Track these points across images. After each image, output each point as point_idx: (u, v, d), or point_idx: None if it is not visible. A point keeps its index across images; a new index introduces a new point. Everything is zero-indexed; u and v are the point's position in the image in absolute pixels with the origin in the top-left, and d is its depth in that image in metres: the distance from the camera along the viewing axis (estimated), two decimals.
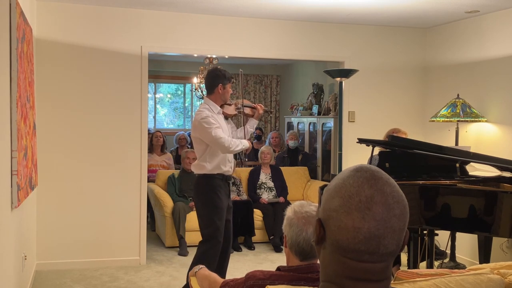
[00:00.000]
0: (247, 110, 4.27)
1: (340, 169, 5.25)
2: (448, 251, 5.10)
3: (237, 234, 5.86)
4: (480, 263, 4.14)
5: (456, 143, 5.14)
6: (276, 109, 10.59)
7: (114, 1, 4.96)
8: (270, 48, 5.67)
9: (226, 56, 6.02)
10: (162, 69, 9.79)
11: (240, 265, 5.28)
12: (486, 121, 5.08)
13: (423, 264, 4.23)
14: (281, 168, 6.79)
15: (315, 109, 7.93)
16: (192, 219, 5.58)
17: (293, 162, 7.46)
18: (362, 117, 5.94)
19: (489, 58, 5.15)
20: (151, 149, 7.07)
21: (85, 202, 5.15)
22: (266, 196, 6.40)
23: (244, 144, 4.06)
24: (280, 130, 9.95)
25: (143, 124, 5.30)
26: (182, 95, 10.84)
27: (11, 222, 3.32)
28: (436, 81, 5.94)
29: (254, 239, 6.08)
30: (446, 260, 5.08)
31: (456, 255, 5.16)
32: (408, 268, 4.17)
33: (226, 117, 4.20)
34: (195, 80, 8.26)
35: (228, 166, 4.09)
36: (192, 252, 4.20)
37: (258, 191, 6.46)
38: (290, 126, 8.91)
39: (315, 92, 8.14)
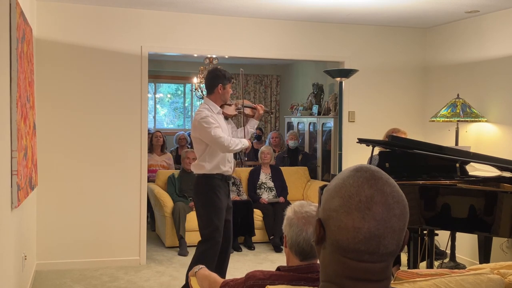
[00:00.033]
0: (247, 111, 4.26)
1: (340, 169, 5.25)
2: (448, 251, 5.10)
3: (237, 234, 5.86)
4: (480, 263, 4.14)
5: (456, 143, 5.14)
6: (276, 109, 10.59)
7: (114, 1, 4.96)
8: (270, 48, 5.67)
9: (226, 56, 6.02)
10: (162, 69, 9.79)
11: (240, 265, 5.28)
12: (486, 121, 5.08)
13: (423, 264, 4.23)
14: (281, 168, 6.79)
15: (315, 109, 7.93)
16: (192, 219, 5.57)
17: (293, 162, 7.46)
18: (362, 117, 5.94)
19: (489, 58, 5.15)
20: (151, 149, 7.07)
21: (85, 202, 5.15)
22: (266, 196, 6.40)
23: (244, 143, 4.06)
24: (280, 130, 9.96)
25: (143, 124, 5.30)
26: (182, 95, 10.84)
27: (11, 222, 3.32)
28: (436, 81, 5.94)
29: (254, 239, 6.08)
30: (446, 260, 5.08)
31: (456, 255, 5.16)
32: (408, 268, 4.17)
33: (226, 117, 4.20)
34: (195, 80, 8.26)
35: (227, 166, 4.09)
36: (192, 252, 4.20)
37: (258, 191, 6.46)
38: (290, 126, 8.91)
39: (315, 92, 8.14)
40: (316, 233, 1.09)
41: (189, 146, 7.73)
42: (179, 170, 6.47)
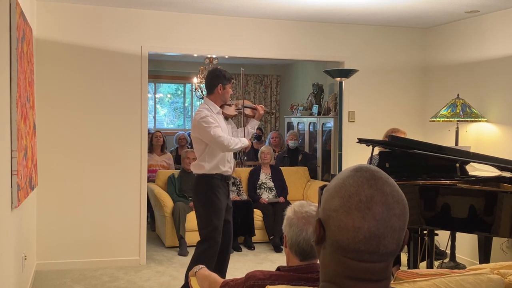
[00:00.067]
0: (248, 111, 4.26)
1: (340, 169, 5.25)
2: (448, 251, 5.10)
3: (237, 234, 5.86)
4: (480, 263, 4.14)
5: (456, 143, 5.14)
6: (276, 109, 10.59)
7: (114, 1, 4.97)
8: (270, 48, 5.67)
9: (226, 56, 6.02)
10: (162, 69, 9.79)
11: (240, 265, 5.28)
12: (486, 121, 5.08)
13: (423, 264, 4.23)
14: (281, 168, 6.79)
15: (315, 109, 7.93)
16: (192, 219, 5.57)
17: (293, 162, 7.46)
18: (362, 117, 5.94)
19: (489, 58, 5.15)
20: (151, 149, 7.07)
21: (85, 202, 5.15)
22: (266, 196, 6.40)
23: (244, 142, 4.06)
24: (280, 130, 9.96)
25: (143, 124, 5.30)
26: (182, 95, 10.84)
27: (11, 222, 3.32)
28: (436, 81, 5.94)
29: (254, 239, 6.08)
30: (446, 260, 5.08)
31: (456, 255, 5.16)
32: (408, 268, 4.17)
33: (226, 117, 4.20)
34: (195, 80, 8.26)
35: (227, 167, 4.09)
36: (192, 252, 4.20)
37: (258, 191, 6.46)
38: (290, 126, 8.91)
39: (315, 92, 8.14)
40: (316, 233, 1.09)
41: (189, 146, 7.73)
42: (179, 170, 6.47)
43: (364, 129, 5.76)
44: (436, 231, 4.09)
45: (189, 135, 7.81)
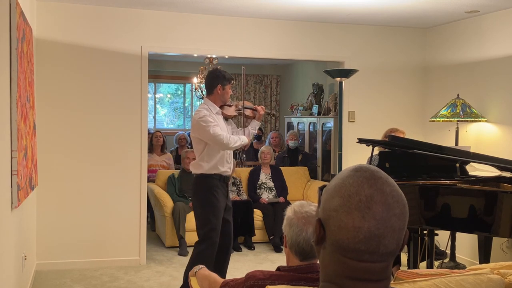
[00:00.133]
0: (248, 112, 4.26)
1: (340, 169, 5.25)
2: (448, 251, 5.10)
3: (237, 234, 5.86)
4: (480, 263, 4.14)
5: (456, 143, 5.14)
6: (276, 109, 10.59)
7: (114, 1, 4.97)
8: (270, 48, 5.67)
9: (226, 56, 6.02)
10: (162, 69, 9.79)
11: (240, 265, 5.28)
12: (486, 121, 5.08)
13: (423, 264, 4.23)
14: (281, 168, 6.79)
15: (315, 109, 7.93)
16: (192, 219, 5.56)
17: (293, 162, 7.46)
18: (362, 117, 5.94)
19: (489, 58, 5.15)
20: (151, 149, 7.07)
21: (85, 202, 5.15)
22: (266, 196, 6.40)
23: (243, 140, 4.06)
24: (280, 130, 9.96)
25: (143, 124, 5.30)
26: (182, 95, 10.84)
27: (11, 222, 3.32)
28: (436, 81, 5.94)
29: (254, 239, 6.08)
30: (446, 260, 5.08)
31: (456, 255, 5.16)
32: (408, 268, 4.17)
33: (226, 118, 4.20)
34: (195, 80, 8.26)
35: (226, 167, 4.08)
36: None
37: (258, 191, 6.46)
38: (290, 126, 8.91)
39: (315, 92, 8.14)
40: (316, 233, 1.09)
41: (189, 146, 7.73)
42: (179, 170, 6.47)
43: (364, 129, 5.76)
44: (436, 231, 4.09)
45: (189, 135, 7.80)
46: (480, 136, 5.24)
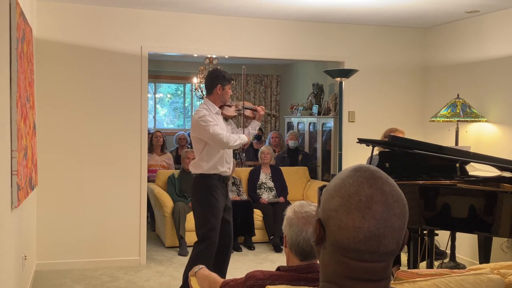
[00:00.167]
0: (248, 112, 4.25)
1: (340, 169, 5.25)
2: (448, 251, 5.10)
3: (237, 234, 5.86)
4: (480, 263, 4.14)
5: (456, 143, 5.14)
6: (276, 109, 10.59)
7: (114, 1, 4.97)
8: (270, 48, 5.67)
9: (226, 56, 6.02)
10: (162, 69, 9.79)
11: (240, 265, 5.28)
12: (486, 121, 5.08)
13: (423, 264, 4.23)
14: (281, 168, 6.79)
15: (315, 109, 7.93)
16: (192, 219, 5.55)
17: (293, 162, 7.46)
18: (362, 117, 5.94)
19: (489, 58, 5.15)
20: (151, 149, 7.07)
21: (85, 202, 5.15)
22: (266, 196, 6.40)
23: (243, 138, 4.06)
24: (280, 130, 9.96)
25: (143, 124, 5.30)
26: (182, 95, 10.84)
27: (11, 222, 3.32)
28: (436, 81, 5.94)
29: (254, 239, 6.08)
30: (446, 260, 5.08)
31: (456, 255, 5.16)
32: (408, 268, 4.17)
33: (226, 118, 4.20)
34: (195, 80, 8.26)
35: (225, 167, 4.08)
36: None
37: (258, 191, 6.46)
38: (290, 126, 8.91)
39: (315, 92, 8.14)
40: (316, 233, 1.09)
41: (189, 146, 7.73)
42: (179, 170, 6.47)
43: (364, 129, 5.76)
44: (436, 231, 4.08)
45: (189, 135, 7.80)
46: (480, 136, 5.24)
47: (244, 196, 6.35)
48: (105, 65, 5.17)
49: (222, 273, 4.09)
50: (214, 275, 2.34)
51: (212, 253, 3.97)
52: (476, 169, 4.31)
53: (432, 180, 4.07)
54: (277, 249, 5.89)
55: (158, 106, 10.67)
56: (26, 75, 3.74)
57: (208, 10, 5.22)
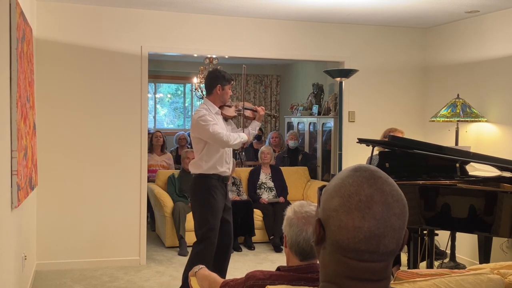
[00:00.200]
0: (248, 113, 4.25)
1: (340, 169, 5.25)
2: (448, 251, 5.10)
3: (237, 234, 5.86)
4: (480, 263, 4.14)
5: (456, 143, 5.14)
6: (276, 109, 10.59)
7: (114, 1, 4.97)
8: (270, 48, 5.67)
9: (226, 56, 6.02)
10: (162, 69, 9.79)
11: (240, 265, 5.28)
12: (486, 121, 5.08)
13: (423, 264, 4.23)
14: (281, 168, 6.79)
15: (315, 109, 7.93)
16: (192, 219, 5.56)
17: (293, 162, 7.46)
18: (362, 117, 5.94)
19: (489, 58, 5.15)
20: (151, 149, 7.07)
21: (85, 202, 5.15)
22: (266, 196, 6.40)
23: (243, 137, 4.06)
24: (280, 130, 9.96)
25: (143, 124, 5.30)
26: (182, 95, 10.84)
27: (11, 222, 3.32)
28: (436, 81, 5.94)
29: (254, 239, 6.08)
30: (446, 260, 5.08)
31: (456, 255, 5.16)
32: (408, 268, 4.17)
33: (226, 118, 4.19)
34: (195, 80, 8.26)
35: (225, 167, 4.08)
36: None
37: (258, 191, 6.46)
38: (290, 126, 8.91)
39: (315, 92, 8.14)
40: (316, 234, 1.09)
41: (189, 146, 7.73)
42: (179, 170, 6.47)
43: (364, 129, 5.76)
44: (436, 231, 4.08)
45: (189, 135, 7.80)
46: (480, 136, 5.24)
47: (244, 196, 6.35)
48: (105, 65, 5.17)
49: (222, 273, 4.09)
50: (214, 275, 2.34)
51: (211, 253, 3.97)
52: (476, 169, 4.31)
53: (432, 180, 4.07)
54: (277, 249, 5.89)
55: (158, 106, 10.67)
56: (26, 75, 3.74)
57: (208, 10, 5.22)
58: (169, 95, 10.93)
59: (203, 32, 5.43)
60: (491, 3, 4.73)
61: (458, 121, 5.03)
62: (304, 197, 6.75)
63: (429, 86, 6.06)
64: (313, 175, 7.29)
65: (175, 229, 5.85)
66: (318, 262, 1.17)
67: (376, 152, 4.43)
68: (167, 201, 5.99)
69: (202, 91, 7.87)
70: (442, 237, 4.93)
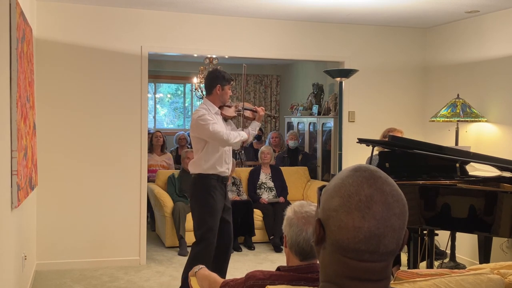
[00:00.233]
0: (248, 113, 4.25)
1: (340, 169, 5.25)
2: (448, 251, 5.10)
3: (237, 234, 5.86)
4: (480, 263, 4.14)
5: (456, 143, 5.14)
6: (276, 109, 10.59)
7: (114, 1, 4.97)
8: (270, 48, 5.67)
9: (226, 56, 6.02)
10: (162, 69, 9.79)
11: (240, 265, 5.28)
12: (486, 121, 5.08)
13: (423, 264, 4.23)
14: (281, 168, 6.79)
15: (315, 109, 7.93)
16: (192, 219, 5.57)
17: (293, 162, 7.46)
18: (362, 117, 5.94)
19: (489, 58, 5.15)
20: (151, 149, 7.07)
21: (85, 202, 5.15)
22: (266, 196, 6.40)
23: (243, 135, 4.06)
24: (280, 130, 9.95)
25: (143, 124, 5.30)
26: (182, 95, 10.84)
27: (11, 222, 3.32)
28: (436, 81, 5.94)
29: (254, 239, 6.08)
30: (446, 260, 5.08)
31: (456, 255, 5.16)
32: (408, 268, 4.17)
33: (226, 118, 4.19)
34: (195, 80, 8.27)
35: (224, 167, 4.08)
36: None
37: (258, 191, 6.46)
38: (290, 126, 8.91)
39: (315, 92, 8.14)
40: (316, 234, 1.09)
41: (189, 146, 7.73)
42: (179, 170, 6.47)
43: (364, 129, 5.76)
44: (436, 231, 4.08)
45: (189, 135, 7.80)
46: (480, 136, 5.24)
47: (244, 196, 6.35)
48: (105, 65, 5.17)
49: (222, 273, 4.08)
50: (214, 275, 2.34)
51: (210, 253, 3.97)
52: (476, 169, 4.31)
53: (432, 180, 4.07)
54: (277, 249, 5.89)
55: (158, 106, 10.67)
56: (26, 75, 3.74)
57: (208, 10, 5.22)
58: (169, 95, 10.93)
59: (203, 32, 5.43)
60: (491, 3, 4.73)
61: (458, 121, 5.03)
62: (304, 197, 6.75)
63: (429, 86, 6.06)
64: (313, 175, 7.29)
65: (175, 229, 5.85)
66: (318, 262, 1.17)
67: (376, 152, 4.43)
68: (167, 201, 5.99)
69: (202, 91, 7.87)
70: (442, 237, 4.93)
